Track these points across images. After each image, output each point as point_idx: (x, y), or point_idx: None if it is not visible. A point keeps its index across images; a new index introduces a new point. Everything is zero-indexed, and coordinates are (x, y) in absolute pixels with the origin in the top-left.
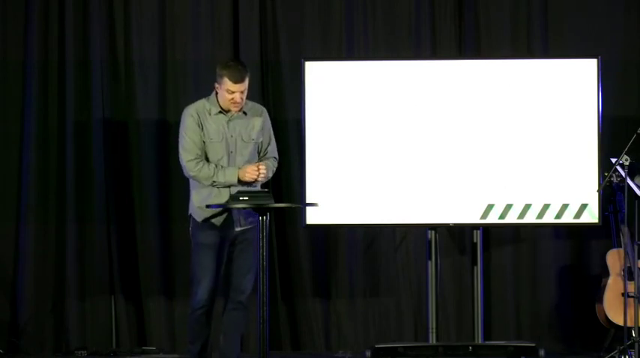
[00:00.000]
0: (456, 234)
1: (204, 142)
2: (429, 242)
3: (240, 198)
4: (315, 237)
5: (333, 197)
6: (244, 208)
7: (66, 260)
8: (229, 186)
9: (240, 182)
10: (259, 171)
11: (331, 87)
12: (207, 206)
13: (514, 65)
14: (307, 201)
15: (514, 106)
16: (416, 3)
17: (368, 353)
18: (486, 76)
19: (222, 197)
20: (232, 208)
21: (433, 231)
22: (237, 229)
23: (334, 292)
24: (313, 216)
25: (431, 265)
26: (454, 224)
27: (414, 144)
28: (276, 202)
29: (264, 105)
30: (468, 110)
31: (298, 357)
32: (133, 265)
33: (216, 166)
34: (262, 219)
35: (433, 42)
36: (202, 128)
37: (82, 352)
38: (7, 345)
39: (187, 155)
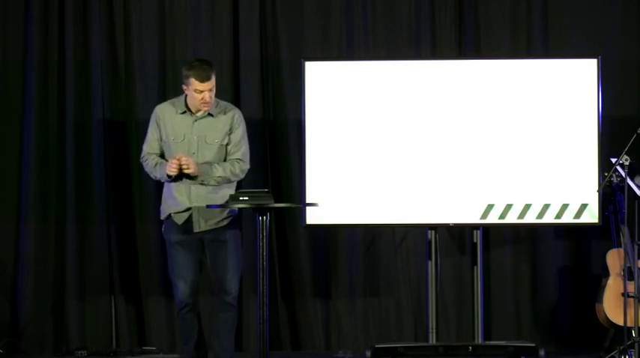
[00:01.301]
0: (456, 234)
1: (164, 142)
2: (429, 242)
3: (240, 198)
4: (315, 237)
5: (333, 197)
6: (244, 208)
7: (66, 260)
8: (185, 181)
9: (178, 177)
10: (180, 163)
11: (331, 87)
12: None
13: (514, 65)
14: (307, 201)
15: (514, 106)
16: (416, 3)
17: (368, 353)
18: (486, 76)
19: (182, 193)
20: (233, 208)
21: (433, 231)
22: (197, 230)
23: (334, 292)
24: (313, 216)
25: (431, 265)
26: (454, 224)
27: (413, 144)
28: (276, 202)
29: (264, 106)
30: (468, 110)
31: (298, 357)
32: (133, 265)
33: (161, 161)
34: (262, 219)
35: (433, 42)
36: (160, 128)
37: (82, 352)
38: (7, 345)
39: (142, 152)
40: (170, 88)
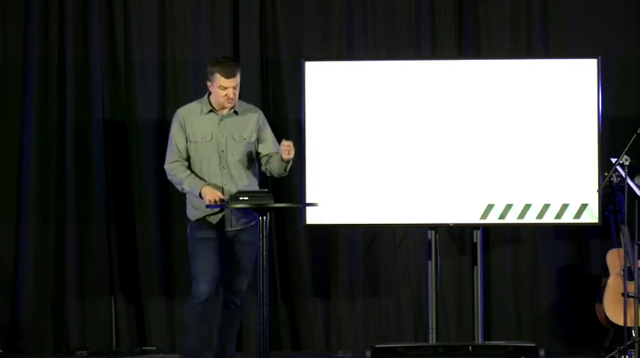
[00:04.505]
0: (456, 234)
1: (191, 143)
2: (429, 242)
3: (240, 198)
4: (315, 237)
5: (333, 197)
6: (245, 208)
7: (66, 260)
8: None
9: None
10: (217, 197)
11: (331, 87)
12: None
13: (514, 65)
14: (307, 201)
15: (514, 106)
16: (416, 3)
17: (368, 353)
18: (486, 76)
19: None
20: (232, 208)
21: (433, 231)
22: (228, 229)
23: (334, 292)
24: (313, 216)
25: (431, 265)
26: (454, 224)
27: (413, 144)
28: (276, 202)
29: (264, 105)
30: (468, 110)
31: (298, 357)
32: (133, 265)
33: (190, 174)
34: (262, 219)
35: (433, 42)
36: (186, 130)
37: (82, 352)
38: (7, 345)
39: (168, 158)
40: (170, 88)
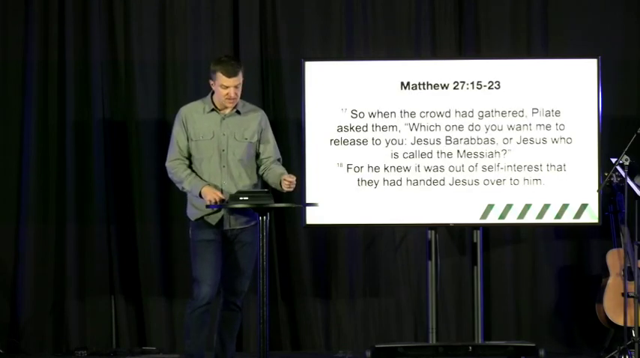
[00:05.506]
0: (456, 234)
1: (192, 141)
2: (429, 242)
3: (240, 198)
4: (315, 237)
5: (333, 197)
6: (245, 208)
7: (66, 260)
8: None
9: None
10: (217, 197)
11: (331, 87)
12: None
13: (514, 65)
14: (307, 201)
15: (514, 106)
16: (416, 3)
17: (368, 353)
18: (486, 75)
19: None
20: (231, 208)
21: (433, 231)
22: (226, 228)
23: (334, 292)
24: (313, 216)
25: (431, 265)
26: (454, 224)
27: (413, 144)
28: (276, 202)
29: (264, 105)
30: (468, 110)
31: (298, 357)
32: (133, 265)
33: (191, 173)
34: (262, 219)
35: (433, 42)
36: (187, 129)
37: (82, 352)
38: (7, 345)
39: (169, 156)
40: (170, 88)
